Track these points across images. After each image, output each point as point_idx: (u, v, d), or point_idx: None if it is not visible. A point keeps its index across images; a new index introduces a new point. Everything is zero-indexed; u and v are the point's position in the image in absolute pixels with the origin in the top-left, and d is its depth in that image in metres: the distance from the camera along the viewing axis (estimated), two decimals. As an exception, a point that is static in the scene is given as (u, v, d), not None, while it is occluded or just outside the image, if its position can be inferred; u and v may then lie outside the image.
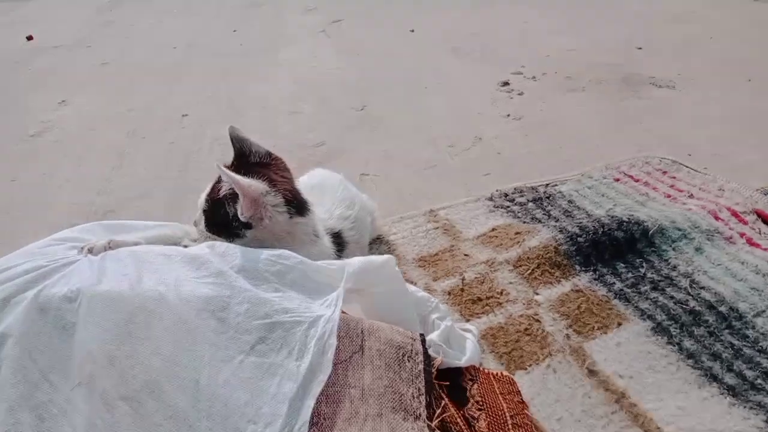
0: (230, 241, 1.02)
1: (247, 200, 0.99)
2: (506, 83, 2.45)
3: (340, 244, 1.23)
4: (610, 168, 1.75)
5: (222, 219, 1.03)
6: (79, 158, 2.19)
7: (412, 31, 3.33)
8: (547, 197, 1.62)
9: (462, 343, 1.09)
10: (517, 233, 1.43)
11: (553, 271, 1.31)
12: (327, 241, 1.18)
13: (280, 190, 1.06)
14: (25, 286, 0.91)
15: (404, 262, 1.41)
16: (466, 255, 1.41)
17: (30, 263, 0.96)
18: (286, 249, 1.00)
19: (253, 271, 0.93)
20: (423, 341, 0.94)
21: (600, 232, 1.37)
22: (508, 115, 2.18)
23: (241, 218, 1.00)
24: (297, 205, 1.08)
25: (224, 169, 0.98)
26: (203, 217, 1.07)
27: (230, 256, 0.96)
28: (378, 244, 1.49)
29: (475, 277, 1.32)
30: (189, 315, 0.84)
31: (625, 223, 1.39)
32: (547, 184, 1.69)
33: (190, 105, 2.57)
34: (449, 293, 1.28)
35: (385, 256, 1.04)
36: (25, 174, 2.11)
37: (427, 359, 0.92)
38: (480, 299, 1.26)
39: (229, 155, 2.14)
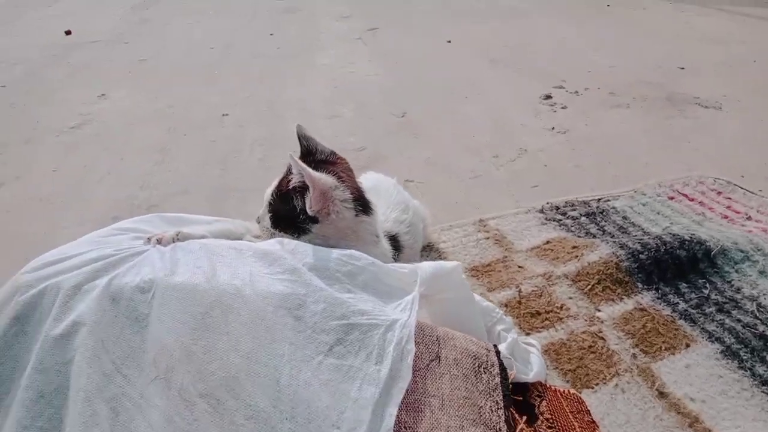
0: (294, 238, 1.01)
1: (317, 193, 0.97)
2: (549, 96, 2.42)
3: (396, 247, 1.21)
4: (663, 186, 1.72)
5: (288, 212, 1.01)
6: (120, 152, 2.19)
7: (449, 41, 3.32)
8: (600, 212, 1.59)
9: (526, 358, 1.05)
10: (574, 247, 1.39)
11: (614, 287, 1.28)
12: (386, 244, 1.16)
13: (348, 186, 1.04)
14: (94, 274, 0.89)
15: (456, 270, 1.38)
16: (520, 267, 1.37)
17: (96, 251, 0.94)
18: (348, 249, 0.98)
19: (324, 270, 0.91)
20: (497, 353, 0.91)
21: (662, 250, 1.33)
22: (553, 128, 2.15)
23: (309, 211, 0.98)
24: (362, 204, 1.06)
25: (296, 159, 0.96)
26: (269, 212, 1.05)
27: (301, 254, 0.94)
28: (428, 251, 1.46)
29: (533, 290, 1.28)
30: (266, 311, 0.81)
31: (687, 242, 1.36)
32: (599, 199, 1.66)
33: (228, 105, 2.57)
34: (506, 305, 1.25)
35: (454, 263, 1.01)
36: (66, 165, 2.11)
37: (503, 372, 0.88)
38: (539, 313, 1.23)
39: (271, 157, 2.16)
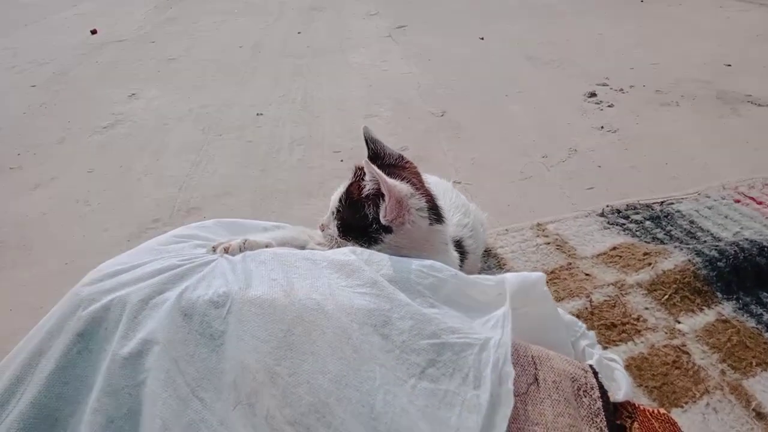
0: (364, 247, 0.94)
1: (393, 201, 0.91)
2: (593, 94, 2.34)
3: (461, 253, 1.14)
4: (727, 188, 1.63)
5: (359, 221, 0.95)
6: (156, 152, 2.15)
7: (482, 38, 3.24)
8: (665, 216, 1.51)
9: (611, 375, 0.98)
10: (645, 254, 1.32)
11: (693, 297, 1.20)
12: (453, 251, 1.09)
13: (422, 194, 0.98)
14: (161, 287, 0.83)
15: (519, 278, 1.31)
16: (587, 275, 1.30)
17: (160, 262, 0.89)
18: (419, 258, 0.92)
19: (405, 282, 0.85)
20: (596, 374, 0.84)
21: (741, 257, 1.25)
22: (602, 127, 2.07)
23: (383, 221, 0.92)
24: (436, 212, 1.00)
25: (373, 166, 0.90)
26: (335, 219, 0.99)
27: (377, 264, 0.87)
28: (485, 257, 1.40)
29: (605, 300, 1.21)
30: (351, 329, 0.75)
31: (766, 249, 1.27)
32: (662, 202, 1.58)
33: (263, 104, 2.52)
34: (576, 316, 1.18)
35: (538, 274, 0.94)
36: (101, 166, 2.07)
37: (604, 395, 0.82)
38: (614, 325, 1.15)
39: (311, 157, 2.10)
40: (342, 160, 1.98)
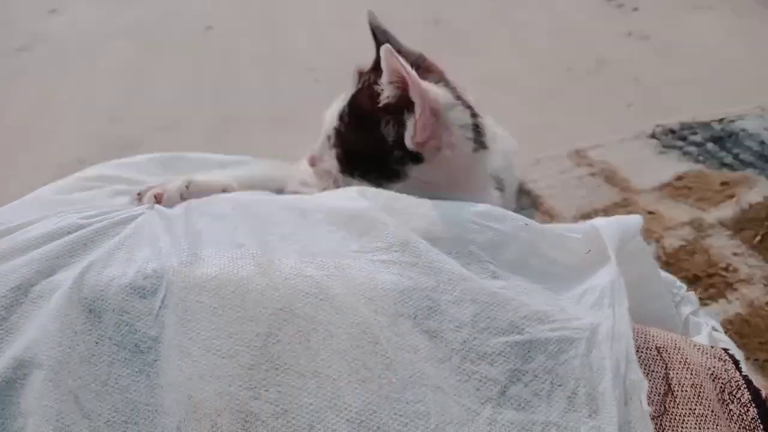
0: (377, 187, 0.62)
1: (427, 113, 0.59)
2: (613, -4, 1.98)
3: (499, 188, 0.83)
4: (795, 100, 1.35)
5: (374, 147, 0.63)
6: (83, 77, 1.73)
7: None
8: (728, 136, 1.22)
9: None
10: (723, 184, 1.03)
11: (793, 237, 0.93)
12: (493, 188, 0.78)
13: (465, 106, 0.65)
14: (49, 264, 0.49)
15: (561, 220, 1.02)
16: (651, 212, 1.01)
17: (53, 221, 0.54)
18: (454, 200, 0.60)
19: (451, 240, 0.53)
20: (736, 363, 0.56)
21: None
22: (630, 34, 1.73)
23: (410, 144, 0.60)
24: (480, 132, 0.67)
25: (398, 56, 0.56)
26: (335, 146, 0.66)
27: (403, 213, 0.55)
28: (517, 194, 1.09)
29: (681, 246, 0.93)
30: (377, 325, 0.44)
31: None
32: (721, 119, 1.28)
33: (212, 16, 2.07)
34: (645, 267, 0.90)
35: (634, 217, 0.64)
36: (14, 95, 1.66)
37: (756, 396, 0.54)
38: (698, 278, 0.88)
39: (275, 77, 1.71)
40: (318, 81, 1.61)
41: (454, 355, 0.44)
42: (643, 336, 0.52)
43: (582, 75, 1.53)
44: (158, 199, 0.57)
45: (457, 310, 0.46)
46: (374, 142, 0.62)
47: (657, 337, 0.53)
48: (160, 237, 0.51)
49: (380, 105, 0.61)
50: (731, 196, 1.00)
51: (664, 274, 0.71)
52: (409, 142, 0.60)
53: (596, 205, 1.05)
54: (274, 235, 0.50)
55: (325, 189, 0.66)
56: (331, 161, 0.66)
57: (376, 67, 0.69)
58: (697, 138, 1.21)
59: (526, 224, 0.56)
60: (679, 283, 0.72)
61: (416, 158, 0.61)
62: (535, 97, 1.45)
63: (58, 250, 0.50)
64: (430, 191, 0.62)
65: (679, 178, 1.08)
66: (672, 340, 0.53)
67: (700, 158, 1.15)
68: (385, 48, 0.57)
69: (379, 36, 0.73)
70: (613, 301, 0.51)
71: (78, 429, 0.41)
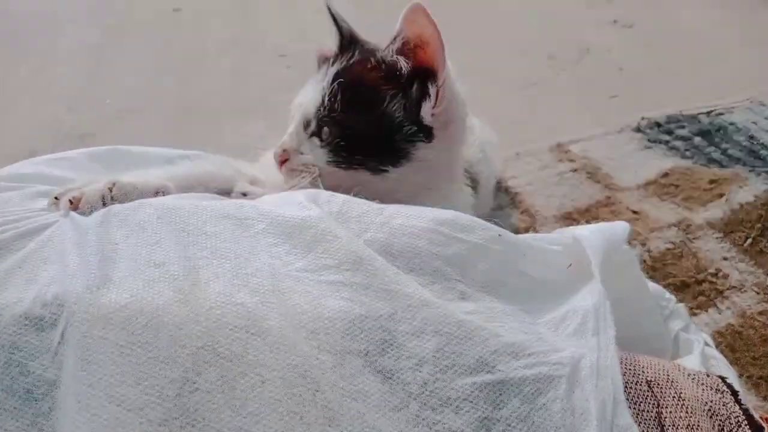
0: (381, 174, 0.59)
1: (448, 81, 0.58)
2: (597, -17, 1.91)
3: (473, 186, 0.76)
4: (784, 93, 1.30)
5: (380, 124, 0.58)
6: (38, 61, 1.61)
7: None
8: (717, 130, 1.16)
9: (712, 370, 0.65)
10: (712, 182, 0.97)
11: (786, 240, 0.88)
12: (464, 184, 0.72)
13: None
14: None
15: (541, 220, 0.96)
16: (635, 212, 0.95)
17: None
18: (421, 200, 0.55)
19: (411, 254, 0.46)
20: (735, 394, 0.50)
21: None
22: (615, 21, 1.67)
23: (428, 116, 0.58)
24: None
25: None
26: (317, 134, 0.59)
27: (358, 221, 0.48)
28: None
29: (667, 249, 0.87)
30: (320, 366, 0.37)
31: None
32: (709, 112, 1.22)
33: (181, -3, 1.96)
34: (630, 271, 0.84)
35: (621, 224, 0.58)
36: (-42, 79, 1.53)
37: (754, 428, 0.48)
38: (686, 284, 0.82)
39: (245, 62, 1.62)
40: (289, 66, 1.52)
41: (412, 402, 0.37)
42: (631, 368, 0.46)
43: (564, 64, 1.46)
44: (75, 204, 0.49)
45: (416, 344, 0.39)
46: (379, 120, 0.57)
47: (647, 368, 0.47)
48: (69, 253, 0.43)
49: (385, 73, 0.57)
50: (720, 195, 0.94)
51: (651, 285, 0.65)
52: (427, 114, 0.57)
53: (578, 204, 0.98)
54: (204, 250, 0.43)
55: (292, 188, 0.59)
56: (313, 152, 0.59)
57: (344, 50, 0.64)
58: (684, 132, 1.16)
59: (500, 235, 0.49)
60: (668, 294, 0.66)
61: (429, 134, 0.58)
62: (516, 86, 1.38)
63: (-57, 268, 0.42)
64: (422, 180, 0.59)
65: (665, 174, 1.02)
66: (664, 371, 0.47)
67: (687, 153, 1.09)
68: (417, 7, 0.55)
69: (339, 22, 0.66)
70: (598, 328, 0.45)
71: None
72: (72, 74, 1.56)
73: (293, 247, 0.45)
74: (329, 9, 0.66)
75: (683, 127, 1.17)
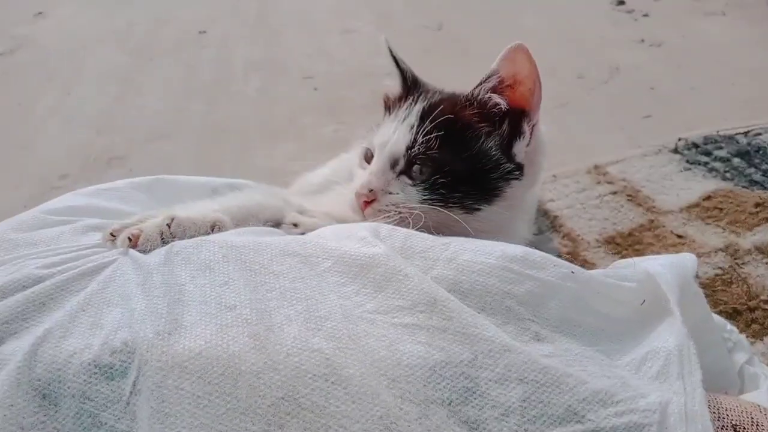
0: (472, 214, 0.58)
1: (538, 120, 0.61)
2: (621, 2, 1.90)
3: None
4: (822, 111, 1.27)
5: (477, 162, 0.57)
6: (68, 84, 1.63)
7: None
8: (756, 150, 1.14)
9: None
10: (758, 205, 0.95)
11: (840, 266, 0.85)
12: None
13: None
14: (-2, 328, 0.41)
15: (584, 245, 0.94)
16: (679, 236, 0.93)
17: (5, 272, 0.45)
18: (498, 239, 0.54)
19: (484, 293, 0.45)
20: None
21: None
22: (643, 41, 1.66)
23: (521, 154, 0.59)
24: None
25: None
26: (406, 173, 0.58)
27: (423, 257, 0.47)
28: (532, 215, 1.01)
29: (716, 275, 0.85)
30: (406, 419, 0.35)
31: None
32: (746, 132, 1.20)
33: (206, 19, 1.98)
34: (679, 299, 0.82)
35: (688, 256, 0.56)
36: (-8, 103, 1.55)
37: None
38: (738, 312, 0.80)
39: (273, 85, 1.62)
40: (316, 89, 1.52)
41: (499, 453, 0.36)
42: (715, 411, 0.44)
43: (594, 83, 1.45)
44: (134, 241, 0.48)
45: (501, 392, 0.38)
46: (477, 158, 0.57)
47: (731, 411, 0.45)
48: (134, 295, 0.42)
49: (489, 109, 0.58)
50: (767, 219, 0.92)
51: (714, 316, 0.63)
52: (521, 152, 0.58)
53: (620, 227, 0.96)
54: (273, 291, 0.42)
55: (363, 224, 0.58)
56: (404, 191, 0.57)
57: (408, 92, 0.66)
58: (723, 153, 1.13)
59: (572, 272, 0.47)
60: (729, 326, 0.64)
61: (520, 169, 0.59)
62: (546, 106, 1.35)
63: (8, 311, 0.41)
64: (508, 217, 0.59)
65: (708, 197, 1.00)
66: (747, 413, 0.45)
67: (728, 175, 1.07)
68: (520, 47, 0.57)
69: (400, 65, 0.68)
70: (683, 371, 0.42)
71: None
72: (100, 98, 1.58)
73: (362, 287, 0.43)
74: (390, 52, 0.67)
75: (721, 147, 1.15)
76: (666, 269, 0.50)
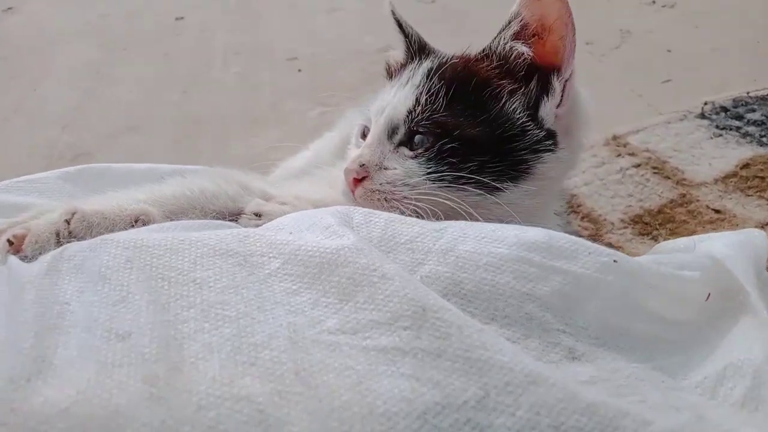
0: (483, 200, 0.43)
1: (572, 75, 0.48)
2: (628, -38, 1.76)
3: None
4: None
5: (497, 127, 0.44)
6: (35, 81, 1.51)
7: None
8: (794, 112, 1.01)
9: None
10: (808, 171, 0.82)
11: None
12: None
13: None
14: None
15: (607, 226, 0.81)
16: (717, 211, 0.80)
17: None
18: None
19: (488, 293, 0.32)
20: None
21: None
22: (654, 2, 1.51)
23: (551, 116, 0.46)
24: None
25: None
26: (407, 134, 0.46)
27: (408, 247, 0.34)
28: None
29: (767, 254, 0.72)
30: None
31: None
32: (781, 92, 1.06)
33: (183, 5, 1.85)
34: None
35: (754, 233, 0.43)
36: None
37: None
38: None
39: (254, 70, 1.49)
40: (300, 70, 1.39)
41: None
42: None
43: (604, 49, 1.31)
44: (17, 244, 0.35)
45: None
46: (497, 122, 0.44)
47: None
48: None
49: (508, 66, 0.46)
50: (822, 187, 0.78)
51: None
52: (550, 115, 0.45)
53: (647, 204, 0.83)
54: (191, 308, 0.29)
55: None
56: (404, 167, 0.44)
57: (414, 58, 0.56)
58: (756, 116, 1.00)
59: (615, 261, 0.34)
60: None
61: (552, 142, 0.45)
62: (555, 76, 1.24)
63: None
64: (539, 203, 0.46)
65: (746, 165, 0.86)
66: None
67: (765, 140, 0.93)
68: None
69: (404, 28, 0.60)
70: (753, 391, 0.30)
71: None
72: (68, 92, 1.46)
73: (322, 296, 0.30)
74: (393, 14, 0.58)
75: (753, 110, 1.01)
76: (734, 250, 0.37)
